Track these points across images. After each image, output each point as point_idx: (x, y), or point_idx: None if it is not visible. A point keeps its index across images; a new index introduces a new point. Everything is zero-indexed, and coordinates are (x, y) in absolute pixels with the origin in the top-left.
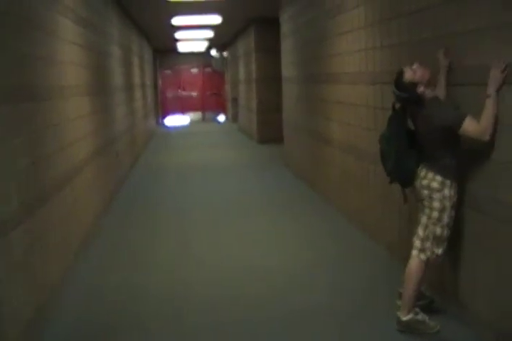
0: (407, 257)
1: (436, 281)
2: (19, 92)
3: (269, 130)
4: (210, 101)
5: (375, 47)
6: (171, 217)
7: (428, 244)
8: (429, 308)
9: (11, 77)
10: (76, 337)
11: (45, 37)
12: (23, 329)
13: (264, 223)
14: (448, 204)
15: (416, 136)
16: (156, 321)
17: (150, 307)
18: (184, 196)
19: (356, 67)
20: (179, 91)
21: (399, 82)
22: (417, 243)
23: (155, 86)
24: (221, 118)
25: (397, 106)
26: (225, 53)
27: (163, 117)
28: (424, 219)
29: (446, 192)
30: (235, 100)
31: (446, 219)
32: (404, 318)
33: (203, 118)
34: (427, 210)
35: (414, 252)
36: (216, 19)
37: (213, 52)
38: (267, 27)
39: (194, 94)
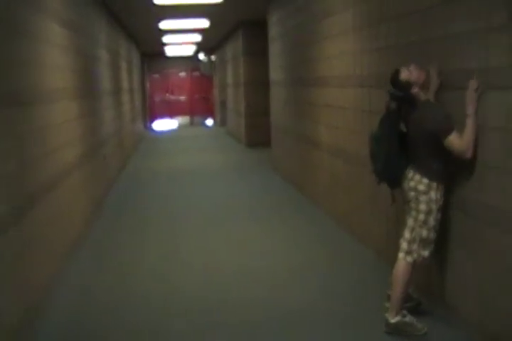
0: (395, 259)
1: (424, 283)
2: (6, 96)
3: (258, 133)
4: (199, 105)
5: (363, 50)
6: (160, 220)
7: (415, 246)
8: (416, 310)
9: None
10: (65, 338)
11: (31, 41)
12: (12, 330)
13: (252, 227)
14: (434, 207)
15: (406, 138)
16: (146, 324)
17: (139, 310)
18: (173, 200)
19: (344, 70)
20: (167, 95)
21: (395, 81)
22: (403, 245)
23: (143, 90)
24: (209, 122)
25: (392, 106)
26: (213, 57)
27: (152, 121)
28: (410, 222)
29: (433, 194)
30: (223, 103)
31: (432, 221)
32: (393, 320)
33: (191, 123)
34: (413, 213)
35: (401, 254)
36: (204, 23)
37: (201, 56)
38: (255, 30)
39: (182, 98)
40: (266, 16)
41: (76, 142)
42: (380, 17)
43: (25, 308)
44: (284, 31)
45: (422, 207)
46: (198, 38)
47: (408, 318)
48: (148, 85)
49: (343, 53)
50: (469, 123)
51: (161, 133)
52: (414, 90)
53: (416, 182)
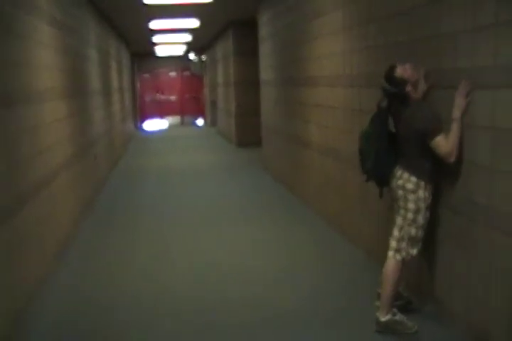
0: (385, 259)
1: (414, 282)
2: None
3: (248, 133)
4: (189, 105)
5: (353, 50)
6: (150, 220)
7: (403, 245)
8: (406, 309)
9: None
10: (56, 338)
11: (19, 40)
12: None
13: (243, 226)
14: (423, 205)
15: (396, 136)
16: (136, 324)
17: (129, 310)
18: (163, 199)
19: (334, 70)
20: (157, 95)
21: (390, 76)
22: (392, 243)
23: (133, 90)
24: (200, 122)
25: (382, 104)
26: (203, 57)
27: (142, 121)
28: (399, 220)
29: (421, 193)
30: (213, 103)
31: (421, 220)
32: (383, 319)
33: (182, 122)
34: (402, 211)
35: (391, 253)
36: (194, 23)
37: (191, 55)
38: (246, 30)
39: (173, 97)
40: (256, 16)
41: (65, 142)
42: (369, 17)
43: (15, 308)
44: (275, 31)
45: (411, 205)
46: (188, 37)
47: (398, 317)
48: (138, 85)
49: (333, 53)
50: (454, 128)
51: (152, 133)
52: (408, 88)
53: (404, 180)
